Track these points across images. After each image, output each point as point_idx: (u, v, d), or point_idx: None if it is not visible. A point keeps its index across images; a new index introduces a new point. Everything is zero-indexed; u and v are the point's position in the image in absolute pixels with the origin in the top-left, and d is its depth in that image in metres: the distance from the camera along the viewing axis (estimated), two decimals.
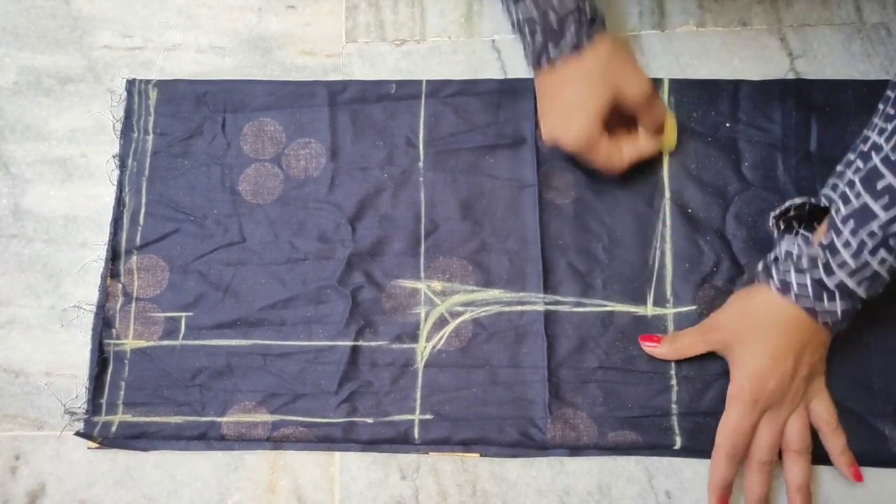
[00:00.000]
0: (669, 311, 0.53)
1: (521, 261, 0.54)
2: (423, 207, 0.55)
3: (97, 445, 0.52)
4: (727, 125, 0.55)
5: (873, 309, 0.51)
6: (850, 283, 0.44)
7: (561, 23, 0.48)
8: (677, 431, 0.50)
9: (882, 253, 0.43)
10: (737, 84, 0.56)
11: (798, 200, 0.46)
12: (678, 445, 0.50)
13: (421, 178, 0.56)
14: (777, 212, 0.47)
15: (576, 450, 0.51)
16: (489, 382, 0.52)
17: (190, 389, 0.52)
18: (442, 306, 0.54)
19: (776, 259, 0.48)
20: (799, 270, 0.46)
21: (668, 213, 0.54)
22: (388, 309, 0.54)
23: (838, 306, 0.45)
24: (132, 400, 0.52)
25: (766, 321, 0.47)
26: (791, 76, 0.57)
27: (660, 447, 0.50)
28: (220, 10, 0.61)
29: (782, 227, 0.48)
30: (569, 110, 0.50)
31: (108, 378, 0.53)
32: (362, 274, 0.54)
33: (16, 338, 0.54)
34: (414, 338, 0.53)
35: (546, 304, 0.53)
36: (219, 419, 0.52)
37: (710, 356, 0.51)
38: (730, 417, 0.48)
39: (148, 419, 0.52)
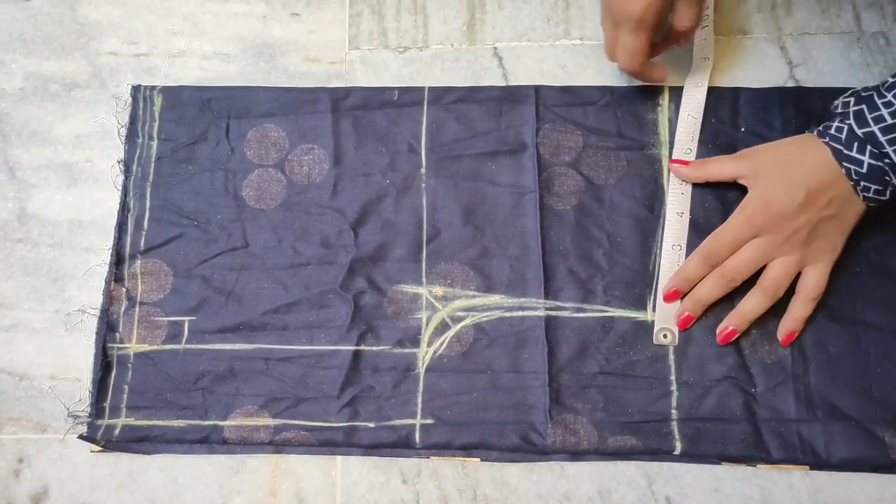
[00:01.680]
0: None
1: (522, 266, 0.54)
2: (424, 213, 0.56)
3: (100, 449, 0.52)
4: (727, 132, 0.56)
5: (873, 316, 0.52)
6: (882, 138, 0.46)
7: None
8: (677, 437, 0.50)
9: None
10: (736, 92, 0.57)
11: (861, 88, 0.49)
12: (678, 451, 0.50)
13: (423, 185, 0.56)
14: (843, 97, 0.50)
15: (576, 455, 0.51)
16: (490, 387, 0.52)
17: (193, 393, 0.53)
18: (443, 311, 0.54)
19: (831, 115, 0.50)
20: (838, 117, 0.48)
21: (668, 219, 0.55)
22: (389, 314, 0.54)
23: (866, 158, 0.46)
24: (135, 403, 0.53)
25: (794, 158, 0.49)
26: (791, 84, 0.57)
27: (660, 452, 0.50)
28: (225, 18, 0.61)
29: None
30: None
31: (112, 382, 0.53)
32: (364, 279, 0.55)
33: (20, 341, 0.55)
34: (415, 342, 0.53)
35: (547, 309, 0.53)
36: (221, 423, 0.52)
37: (711, 360, 0.51)
38: (722, 226, 0.51)
39: (151, 423, 0.52)
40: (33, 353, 0.54)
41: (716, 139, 0.56)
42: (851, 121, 0.48)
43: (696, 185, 0.55)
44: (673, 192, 0.55)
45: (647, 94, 0.57)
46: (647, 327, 0.53)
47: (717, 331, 0.51)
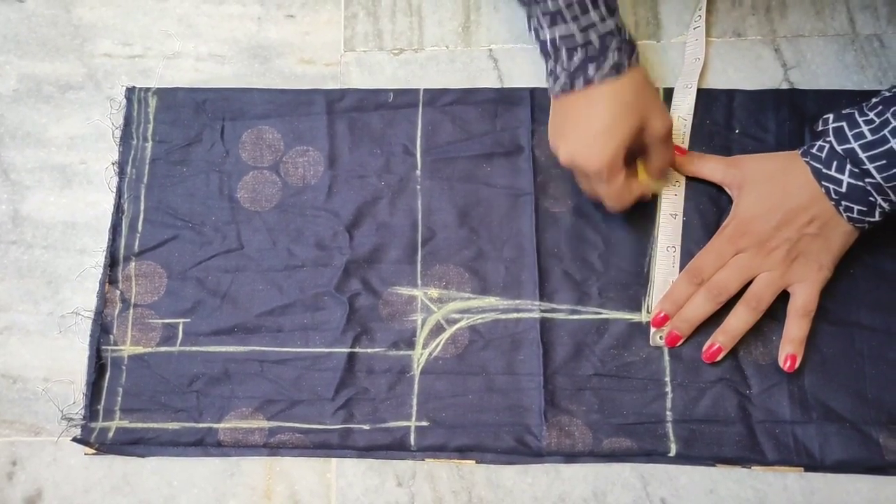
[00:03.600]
0: None
1: (517, 268, 0.54)
2: (420, 215, 0.56)
3: (94, 451, 0.52)
4: (722, 134, 0.56)
5: (867, 318, 0.52)
6: (862, 154, 0.45)
7: (603, 43, 0.46)
8: (672, 438, 0.50)
9: None
10: (731, 94, 0.57)
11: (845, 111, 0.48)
12: (673, 452, 0.50)
13: (418, 186, 0.56)
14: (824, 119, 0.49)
15: (571, 457, 0.51)
16: (485, 389, 0.52)
17: (187, 396, 0.53)
18: (438, 313, 0.54)
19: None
20: (820, 136, 0.48)
21: (662, 221, 0.55)
22: (384, 316, 0.54)
23: (845, 177, 0.46)
24: (129, 406, 0.52)
25: (778, 175, 0.49)
26: (785, 86, 0.57)
27: (655, 454, 0.50)
28: (220, 19, 0.61)
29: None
30: (596, 133, 0.47)
31: (106, 384, 0.53)
32: (359, 281, 0.54)
33: (14, 343, 0.55)
34: (410, 345, 0.53)
35: (542, 311, 0.53)
36: (216, 425, 0.52)
37: (705, 364, 0.51)
38: (706, 246, 0.52)
39: (145, 425, 0.52)
40: (27, 355, 0.54)
41: (710, 141, 0.56)
42: (831, 137, 0.47)
43: (689, 188, 0.55)
44: (665, 193, 0.55)
45: None
46: (641, 329, 0.53)
47: (703, 349, 0.51)
